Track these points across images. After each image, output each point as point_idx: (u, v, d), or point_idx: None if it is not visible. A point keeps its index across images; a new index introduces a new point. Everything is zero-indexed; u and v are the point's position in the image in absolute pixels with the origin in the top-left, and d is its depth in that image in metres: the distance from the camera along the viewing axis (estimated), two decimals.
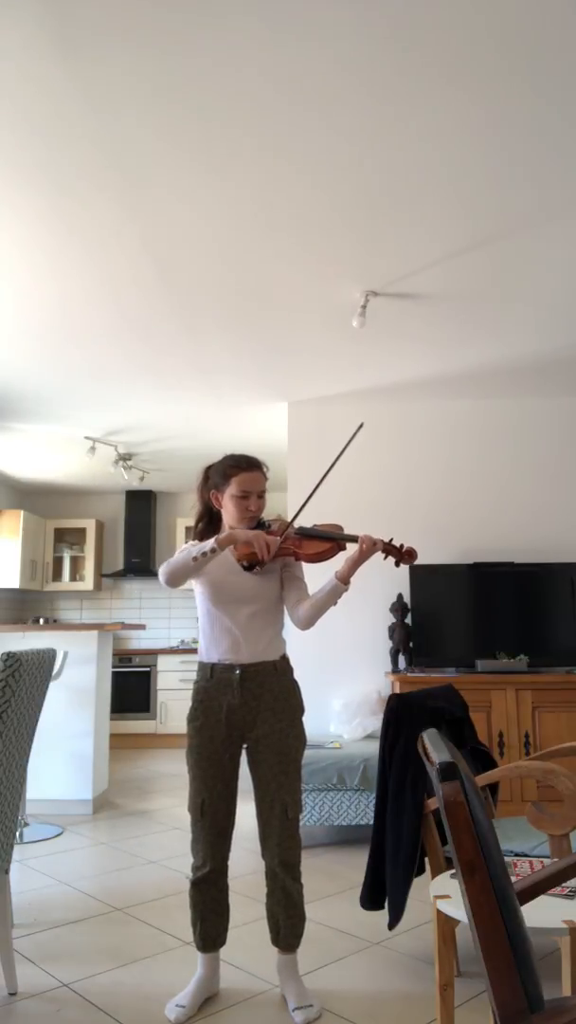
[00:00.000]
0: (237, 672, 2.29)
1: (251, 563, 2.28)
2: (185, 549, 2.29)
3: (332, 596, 2.28)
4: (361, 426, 2.40)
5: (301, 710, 2.37)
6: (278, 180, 2.64)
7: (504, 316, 3.78)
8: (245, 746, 2.34)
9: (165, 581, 2.29)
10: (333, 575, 2.28)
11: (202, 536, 2.44)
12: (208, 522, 2.46)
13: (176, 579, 2.28)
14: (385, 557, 2.33)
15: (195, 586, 2.41)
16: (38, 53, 2.05)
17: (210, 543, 2.21)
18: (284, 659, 2.38)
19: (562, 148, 2.47)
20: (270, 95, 2.21)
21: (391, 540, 2.34)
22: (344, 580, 2.26)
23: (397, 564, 2.36)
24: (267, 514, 2.43)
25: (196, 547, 2.25)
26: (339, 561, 2.30)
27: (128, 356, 4.27)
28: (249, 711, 2.29)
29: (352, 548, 2.29)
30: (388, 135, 2.40)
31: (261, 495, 2.38)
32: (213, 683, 2.32)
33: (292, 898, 2.28)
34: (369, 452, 5.06)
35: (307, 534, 2.34)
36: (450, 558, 4.89)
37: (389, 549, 2.32)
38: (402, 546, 2.34)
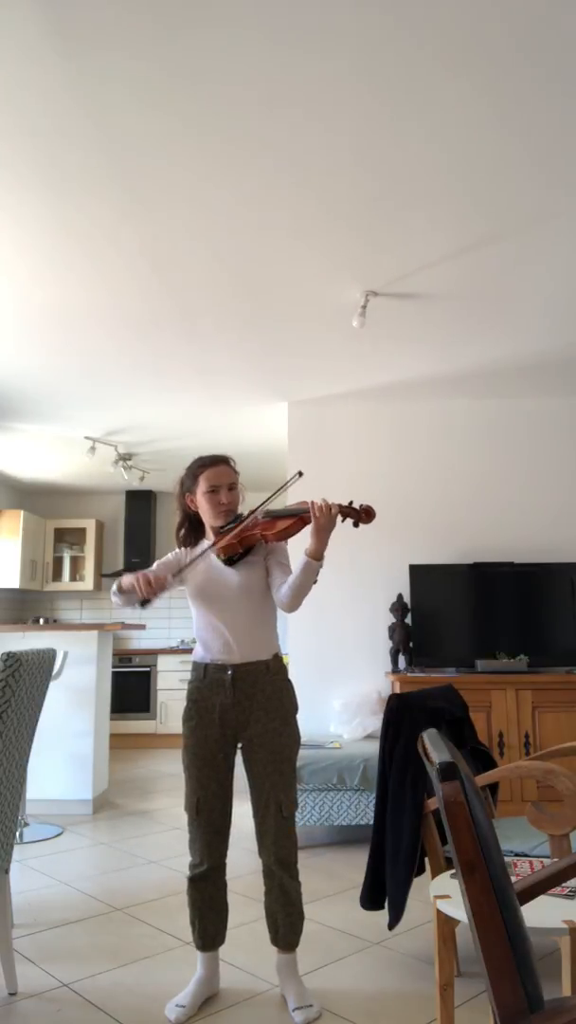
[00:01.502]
0: (229, 672, 2.30)
1: (229, 556, 2.32)
2: (139, 572, 2.34)
3: (306, 573, 2.25)
4: (300, 474, 2.42)
5: (294, 709, 2.37)
6: (278, 180, 2.64)
7: (504, 316, 3.78)
8: (240, 745, 2.35)
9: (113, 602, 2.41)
10: (303, 553, 2.25)
11: (184, 542, 2.49)
12: (189, 528, 2.49)
13: (118, 606, 2.40)
14: (343, 520, 2.30)
15: (186, 589, 2.43)
16: (37, 56, 2.05)
17: (115, 586, 2.34)
18: (277, 658, 2.38)
19: (562, 148, 2.47)
20: (270, 95, 2.21)
21: (350, 503, 2.32)
22: (314, 556, 2.22)
23: (356, 525, 2.33)
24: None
25: (122, 584, 2.32)
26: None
27: (128, 356, 4.27)
28: (242, 711, 2.30)
29: None
30: (388, 135, 2.40)
31: (232, 487, 2.40)
32: (206, 683, 2.34)
33: (290, 896, 2.28)
34: (369, 452, 5.07)
35: (273, 515, 2.34)
36: (450, 558, 4.89)
37: (346, 511, 2.30)
38: (361, 506, 2.32)
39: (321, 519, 2.22)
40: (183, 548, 2.49)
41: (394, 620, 4.78)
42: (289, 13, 1.92)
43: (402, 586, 4.85)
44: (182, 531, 2.50)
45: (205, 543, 2.44)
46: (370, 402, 5.10)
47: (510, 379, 4.71)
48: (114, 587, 2.36)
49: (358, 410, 5.13)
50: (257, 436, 5.89)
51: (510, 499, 4.99)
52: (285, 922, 2.28)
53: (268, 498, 2.34)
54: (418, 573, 4.76)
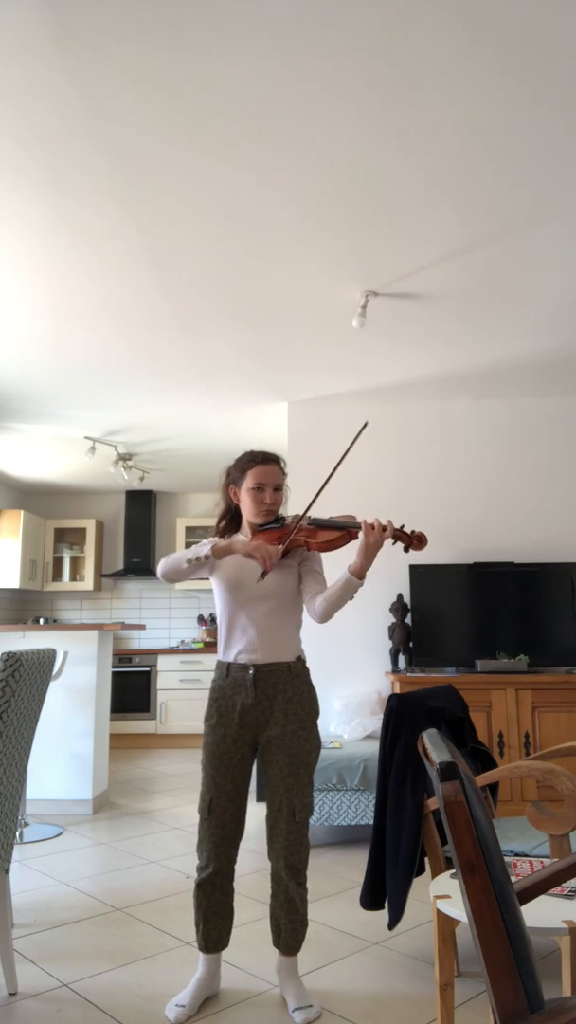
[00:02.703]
0: (251, 672, 2.29)
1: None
2: (192, 548, 2.32)
3: (346, 590, 2.23)
4: (366, 425, 2.37)
5: (315, 713, 2.34)
6: (278, 180, 2.64)
7: (504, 316, 3.78)
8: (259, 747, 2.34)
9: (161, 576, 2.35)
10: (346, 568, 2.22)
11: (222, 534, 2.47)
12: (230, 520, 2.47)
13: (171, 577, 2.34)
14: (394, 543, 2.28)
15: (213, 583, 2.41)
16: (37, 55, 2.05)
17: (206, 549, 2.26)
18: (300, 661, 2.37)
19: (560, 149, 2.47)
20: (270, 96, 2.21)
21: (402, 526, 2.29)
22: (357, 574, 2.19)
23: (406, 550, 2.30)
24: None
25: (193, 549, 2.27)
26: (354, 551, 2.26)
27: (128, 356, 4.27)
28: (262, 712, 2.29)
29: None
30: (388, 135, 2.40)
31: (277, 488, 2.39)
32: (228, 682, 2.32)
33: (295, 903, 2.27)
34: (369, 452, 5.07)
35: (320, 524, 2.33)
36: (450, 558, 4.89)
37: (398, 535, 2.26)
38: (412, 532, 2.29)
39: (371, 539, 2.19)
40: (217, 538, 2.45)
41: (394, 620, 4.78)
42: (290, 14, 1.92)
43: (402, 586, 4.85)
44: (223, 522, 2.48)
45: (240, 537, 2.41)
46: (371, 402, 5.11)
47: (510, 379, 4.71)
48: (189, 553, 2.27)
49: (358, 410, 5.12)
50: (257, 436, 5.89)
51: (510, 499, 4.99)
52: (288, 928, 2.27)
53: (344, 454, 2.29)
54: (418, 573, 4.76)
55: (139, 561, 7.94)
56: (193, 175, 2.60)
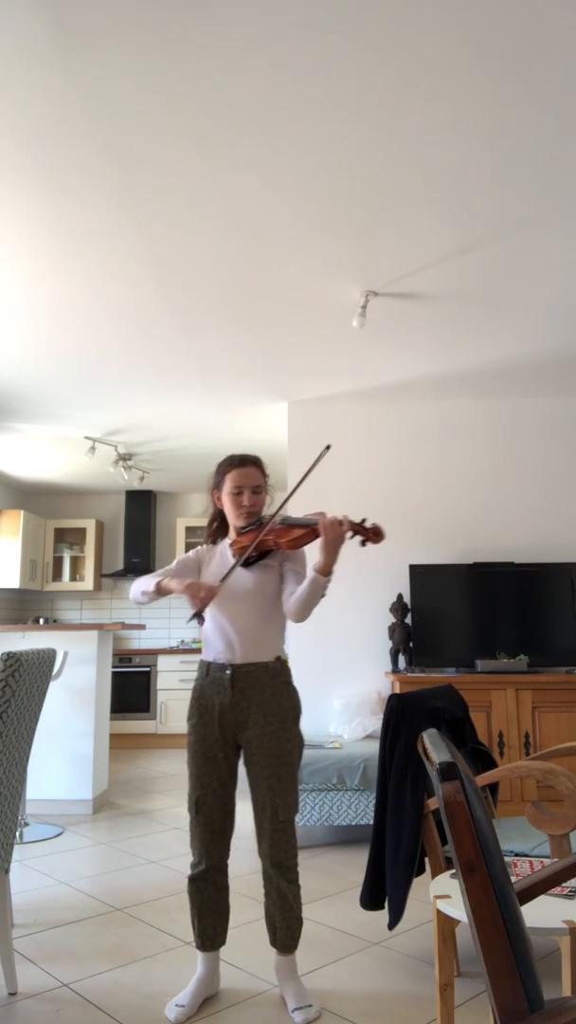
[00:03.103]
0: (228, 672, 2.31)
1: (247, 558, 2.32)
2: (161, 572, 2.39)
3: (313, 588, 2.24)
4: (328, 448, 2.37)
5: (295, 712, 2.34)
6: (278, 180, 2.64)
7: (503, 316, 3.78)
8: (241, 747, 2.35)
9: (132, 599, 2.43)
10: (311, 567, 2.25)
11: (213, 537, 2.50)
12: (220, 523, 2.51)
13: (138, 602, 2.42)
14: (352, 536, 2.27)
15: None
16: (37, 55, 2.05)
17: (152, 585, 2.33)
18: (279, 661, 2.37)
19: (560, 149, 2.47)
20: (269, 96, 2.21)
21: (362, 520, 2.29)
22: (322, 571, 2.21)
23: (363, 543, 2.30)
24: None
25: (144, 581, 2.35)
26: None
27: (128, 356, 4.27)
28: (240, 712, 2.30)
29: None
30: (388, 136, 2.40)
31: (256, 490, 2.40)
32: (208, 682, 2.34)
33: (287, 901, 2.27)
34: (369, 452, 5.07)
35: (290, 523, 2.35)
36: (450, 558, 4.89)
37: (355, 528, 2.27)
38: (368, 525, 2.29)
39: (329, 534, 2.20)
40: (205, 545, 2.50)
41: (394, 620, 4.78)
42: (290, 15, 1.92)
43: (402, 586, 4.85)
44: (213, 525, 2.51)
45: (225, 541, 2.45)
46: (370, 402, 5.11)
47: (510, 379, 4.72)
48: (144, 585, 2.34)
49: (358, 410, 5.13)
50: (257, 436, 5.89)
51: (510, 499, 4.99)
52: (282, 926, 2.28)
53: (303, 477, 2.33)
54: (418, 573, 4.76)
55: (139, 561, 7.94)
56: (193, 176, 2.60)
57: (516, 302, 3.62)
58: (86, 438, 6.02)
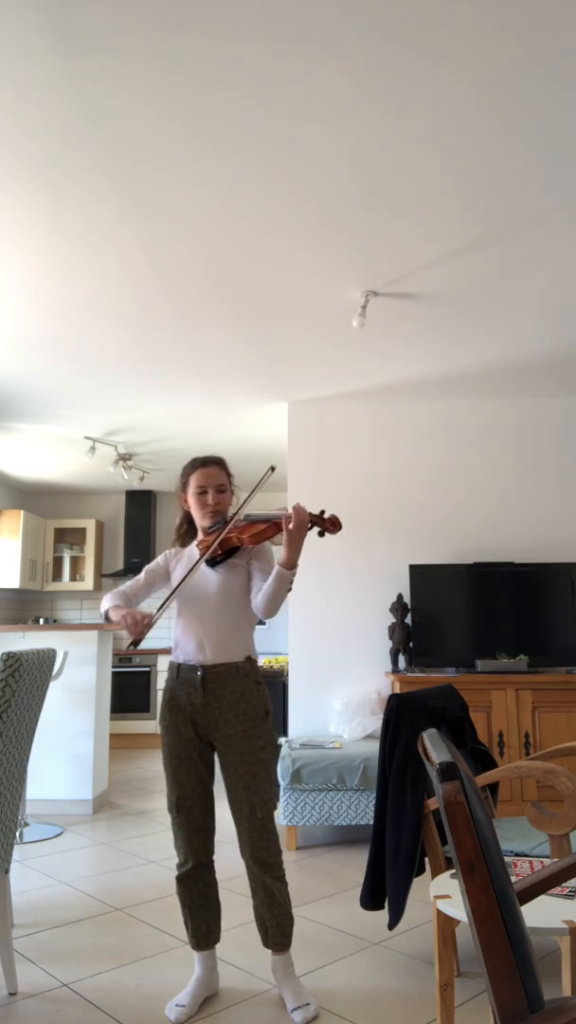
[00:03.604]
0: (199, 673, 2.32)
1: (212, 558, 2.36)
2: (128, 585, 2.47)
3: (277, 582, 2.26)
4: (272, 469, 2.45)
5: (265, 711, 2.35)
6: (278, 180, 2.64)
7: (504, 316, 3.78)
8: (215, 747, 2.36)
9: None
10: (276, 562, 2.29)
11: (183, 540, 2.55)
12: (189, 526, 2.55)
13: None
14: (309, 528, 2.31)
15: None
16: (36, 58, 2.05)
17: (103, 616, 2.40)
18: (249, 660, 2.38)
19: (562, 149, 2.47)
20: (270, 95, 2.21)
21: (321, 512, 2.35)
22: (285, 565, 2.23)
23: (321, 534, 2.35)
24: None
25: (108, 604, 2.39)
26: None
27: (128, 356, 4.27)
28: (211, 712, 2.31)
29: None
30: (388, 136, 2.40)
31: (220, 490, 2.43)
32: (179, 683, 2.36)
33: (275, 897, 2.27)
34: (369, 452, 5.07)
35: (253, 520, 2.37)
36: (450, 558, 4.90)
37: (313, 519, 2.32)
38: (327, 516, 2.35)
39: (295, 528, 2.23)
40: (174, 548, 2.54)
41: (394, 620, 4.78)
42: (289, 15, 1.92)
43: (402, 586, 4.85)
44: (183, 528, 2.55)
45: (193, 543, 2.49)
46: (370, 402, 5.11)
47: (509, 379, 4.71)
48: (104, 610, 2.40)
49: (358, 410, 5.13)
50: (257, 436, 5.89)
51: (510, 499, 4.99)
52: (273, 923, 2.27)
53: (246, 499, 2.39)
54: (418, 573, 4.76)
55: (139, 561, 7.93)
56: (193, 175, 2.60)
57: (515, 302, 3.62)
58: (86, 438, 6.02)
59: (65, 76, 2.13)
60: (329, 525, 2.34)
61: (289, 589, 2.28)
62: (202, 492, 2.41)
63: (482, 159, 2.52)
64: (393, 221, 2.90)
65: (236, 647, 2.36)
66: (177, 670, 2.37)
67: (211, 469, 2.44)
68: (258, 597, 2.32)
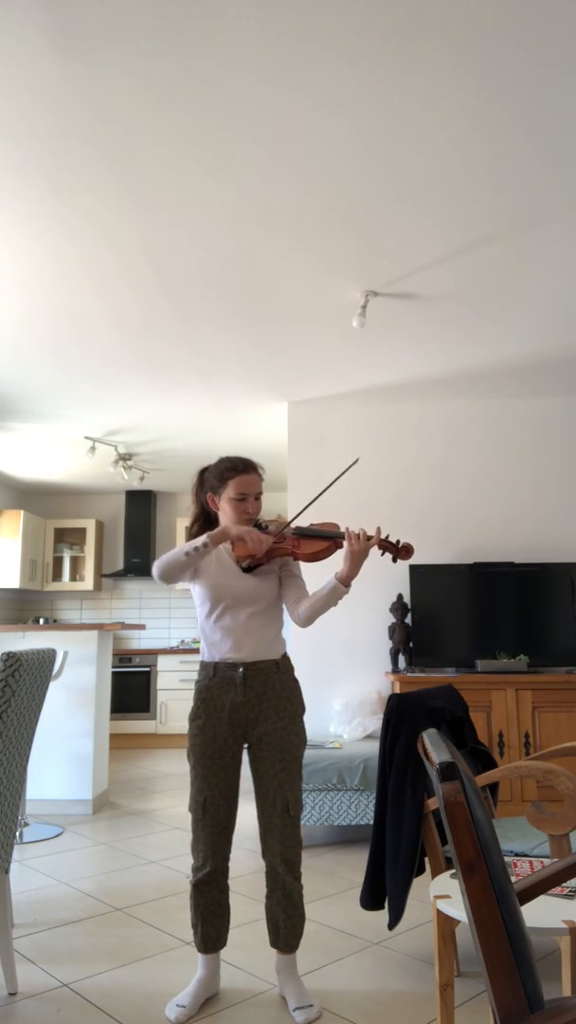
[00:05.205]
0: (240, 670, 2.30)
1: (250, 565, 2.31)
2: (186, 544, 2.33)
3: (332, 597, 2.29)
4: (356, 461, 2.51)
5: (302, 709, 2.38)
6: (277, 180, 2.64)
7: (504, 316, 3.78)
8: (247, 745, 2.34)
9: (158, 576, 2.30)
10: (333, 575, 2.28)
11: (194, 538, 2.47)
12: (204, 524, 2.49)
13: (169, 575, 2.28)
14: (382, 553, 2.35)
15: (193, 589, 2.42)
16: (37, 57, 2.05)
17: (202, 538, 2.25)
18: (286, 658, 2.39)
19: (561, 149, 2.47)
20: (269, 94, 2.21)
21: (387, 536, 2.35)
22: (345, 581, 2.26)
23: (395, 560, 2.38)
24: (266, 514, 2.45)
25: (190, 543, 2.28)
26: (339, 560, 2.31)
27: (128, 356, 4.27)
28: (252, 708, 2.30)
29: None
30: (387, 136, 2.40)
31: (258, 497, 2.41)
32: (216, 681, 2.33)
33: (292, 898, 2.27)
34: (369, 452, 5.07)
35: (304, 533, 2.36)
36: (450, 558, 4.89)
37: (385, 545, 2.33)
38: (398, 542, 2.36)
39: (356, 547, 2.24)
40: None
41: (394, 620, 4.78)
42: (290, 12, 1.92)
43: (402, 586, 4.85)
44: (196, 526, 2.50)
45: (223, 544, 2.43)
46: (370, 402, 5.11)
47: (510, 379, 4.71)
48: (179, 551, 2.25)
49: (358, 410, 5.13)
50: (257, 436, 5.89)
51: (510, 499, 4.99)
52: (287, 924, 2.28)
53: (321, 492, 2.40)
54: (418, 573, 4.76)
55: (139, 561, 7.94)
56: (193, 176, 2.60)
57: (515, 302, 3.62)
58: (86, 438, 6.02)
59: (67, 77, 2.13)
60: (403, 552, 2.35)
61: (335, 604, 2.31)
62: (242, 499, 2.36)
63: (483, 158, 2.52)
64: (393, 221, 2.90)
65: (272, 645, 2.36)
66: (213, 669, 2.34)
67: (252, 477, 2.39)
68: (303, 607, 2.32)
